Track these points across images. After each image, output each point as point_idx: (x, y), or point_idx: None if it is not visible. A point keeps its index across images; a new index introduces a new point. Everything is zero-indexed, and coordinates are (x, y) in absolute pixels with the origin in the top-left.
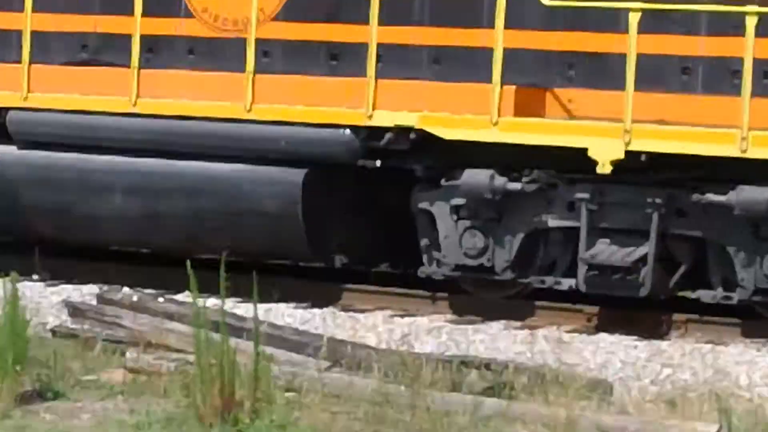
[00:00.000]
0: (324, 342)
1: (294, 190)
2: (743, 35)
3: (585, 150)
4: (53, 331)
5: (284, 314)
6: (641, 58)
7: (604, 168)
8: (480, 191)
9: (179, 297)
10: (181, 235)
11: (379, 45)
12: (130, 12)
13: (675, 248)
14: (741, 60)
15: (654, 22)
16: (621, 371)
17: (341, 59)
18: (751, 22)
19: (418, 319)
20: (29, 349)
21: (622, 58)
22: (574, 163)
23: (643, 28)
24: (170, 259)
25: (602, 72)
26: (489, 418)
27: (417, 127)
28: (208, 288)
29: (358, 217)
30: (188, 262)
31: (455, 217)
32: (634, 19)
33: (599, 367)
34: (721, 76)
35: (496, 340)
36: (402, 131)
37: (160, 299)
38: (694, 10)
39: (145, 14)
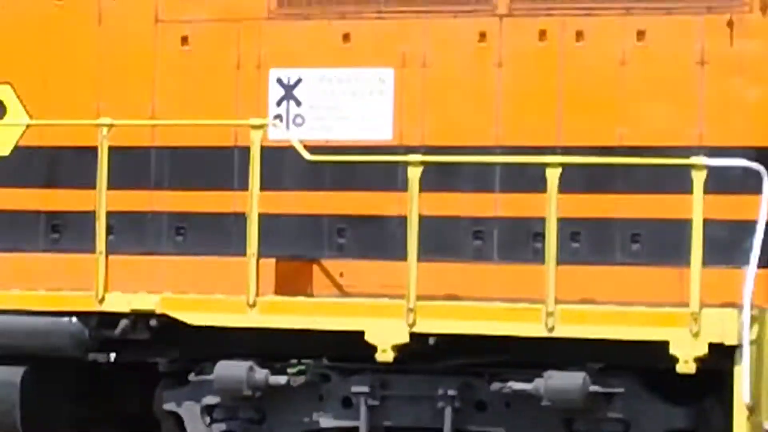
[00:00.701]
0: None
1: (10, 393)
2: (544, 191)
3: (362, 333)
4: None
5: None
6: (425, 221)
7: (386, 355)
8: (236, 387)
9: None
10: None
11: (110, 213)
12: None
13: None
14: (543, 220)
15: (439, 178)
16: None
17: (64, 232)
18: (553, 175)
19: None
20: None
21: (402, 221)
22: (349, 349)
23: (425, 186)
24: None
25: (379, 239)
26: None
27: (158, 311)
28: None
29: (93, 423)
30: None
31: (208, 420)
32: (413, 174)
33: None
34: (520, 241)
35: None
36: (141, 317)
37: None
38: (486, 163)
39: None
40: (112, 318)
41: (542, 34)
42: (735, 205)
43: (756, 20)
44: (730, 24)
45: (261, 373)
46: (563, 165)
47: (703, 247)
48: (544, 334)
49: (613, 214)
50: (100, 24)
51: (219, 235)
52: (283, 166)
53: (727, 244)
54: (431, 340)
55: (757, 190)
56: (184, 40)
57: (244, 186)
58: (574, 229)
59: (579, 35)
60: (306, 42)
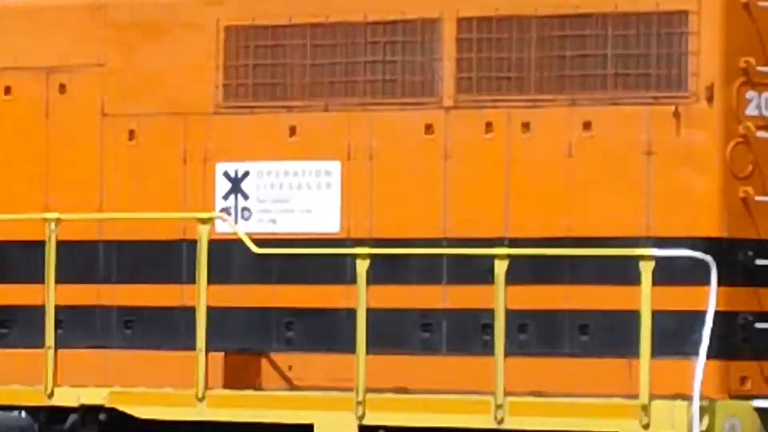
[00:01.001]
0: None
1: None
2: (492, 283)
3: (311, 427)
4: None
5: None
6: (373, 313)
7: None
8: None
9: None
10: None
11: (58, 308)
12: None
13: None
14: (491, 312)
15: (386, 271)
16: None
17: (13, 326)
18: (500, 267)
19: None
20: None
21: (351, 313)
22: None
23: (373, 278)
24: None
25: (327, 332)
26: None
27: (108, 405)
28: None
29: None
30: None
31: None
32: (361, 267)
33: None
34: (468, 332)
35: None
36: (90, 411)
37: None
38: (433, 255)
39: None
40: (62, 412)
41: (488, 126)
42: (683, 296)
43: (702, 110)
44: (676, 114)
45: None
46: (511, 256)
47: (652, 338)
48: (494, 426)
49: (562, 305)
50: (47, 117)
51: (168, 328)
52: (231, 260)
53: (676, 335)
54: None
55: (706, 280)
56: (131, 134)
57: (192, 279)
58: (522, 320)
59: (525, 127)
60: (252, 135)
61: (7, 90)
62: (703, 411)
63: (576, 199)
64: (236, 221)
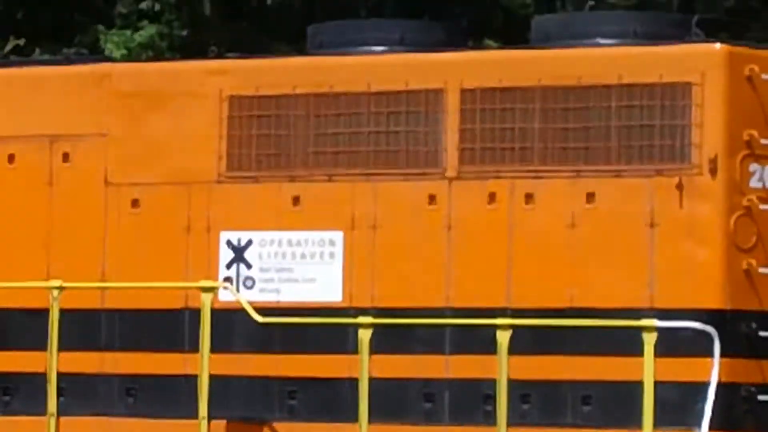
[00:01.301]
0: None
1: None
2: (495, 353)
3: None
4: None
5: None
6: (376, 383)
7: None
8: None
9: None
10: None
11: (61, 375)
12: None
13: None
14: (494, 382)
15: (389, 340)
16: None
17: (15, 394)
18: (503, 337)
19: None
20: None
21: (353, 383)
22: None
23: (376, 348)
24: None
25: (330, 401)
26: None
27: None
28: None
29: None
30: None
31: None
32: (364, 336)
33: None
34: (470, 403)
35: None
36: None
37: None
38: (436, 325)
39: None
40: None
41: (492, 196)
42: (686, 368)
43: (705, 182)
44: (679, 186)
45: None
46: (514, 327)
47: (655, 409)
48: None
49: (564, 376)
50: (51, 186)
51: (170, 396)
52: (234, 328)
53: (679, 406)
54: None
55: (708, 352)
56: (135, 202)
57: (194, 348)
58: (524, 390)
59: (528, 198)
60: (256, 205)
61: (11, 158)
62: None
63: (579, 270)
64: (239, 290)
